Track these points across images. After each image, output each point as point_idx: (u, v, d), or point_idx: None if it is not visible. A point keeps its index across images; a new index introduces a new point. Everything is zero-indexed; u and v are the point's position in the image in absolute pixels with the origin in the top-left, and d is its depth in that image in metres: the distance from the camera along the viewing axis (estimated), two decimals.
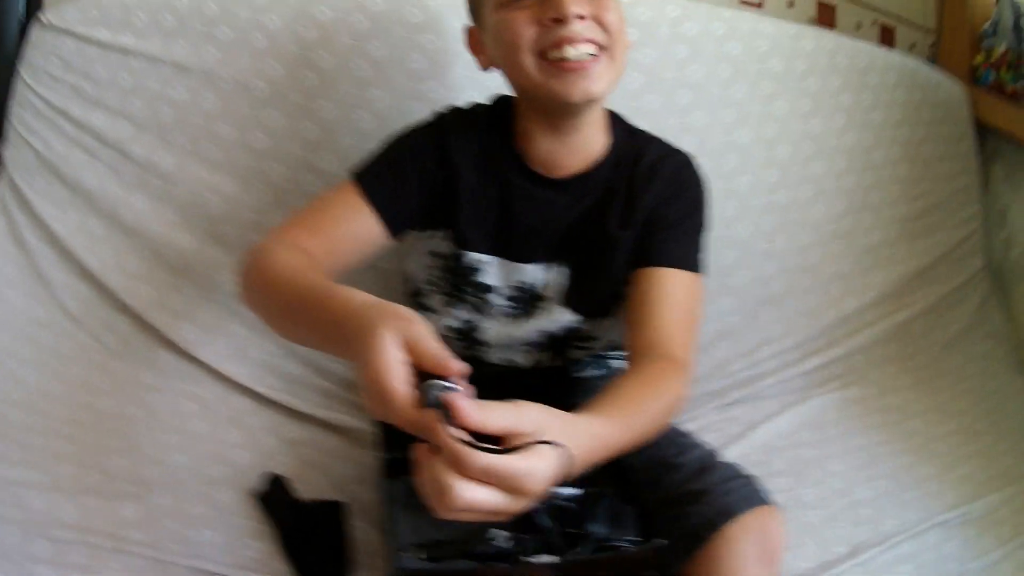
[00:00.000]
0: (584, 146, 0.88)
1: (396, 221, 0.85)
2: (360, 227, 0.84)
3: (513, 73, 0.84)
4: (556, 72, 0.80)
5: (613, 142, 0.90)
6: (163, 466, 0.97)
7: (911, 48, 1.54)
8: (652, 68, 1.17)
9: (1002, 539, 1.00)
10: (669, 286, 0.85)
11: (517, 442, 0.57)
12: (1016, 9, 1.39)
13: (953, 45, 1.51)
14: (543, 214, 0.89)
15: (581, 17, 0.79)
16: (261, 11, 1.10)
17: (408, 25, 1.09)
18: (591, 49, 0.80)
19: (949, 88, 1.41)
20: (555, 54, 0.80)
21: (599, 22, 0.81)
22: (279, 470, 0.98)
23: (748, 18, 1.25)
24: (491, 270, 0.91)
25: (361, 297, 0.65)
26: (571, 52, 0.79)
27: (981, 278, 1.42)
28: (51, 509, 0.89)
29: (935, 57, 1.54)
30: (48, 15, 1.14)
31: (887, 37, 1.52)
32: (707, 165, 1.16)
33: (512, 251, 0.90)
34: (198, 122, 1.10)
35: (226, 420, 1.06)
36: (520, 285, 0.91)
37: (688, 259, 0.88)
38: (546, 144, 0.87)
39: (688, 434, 0.92)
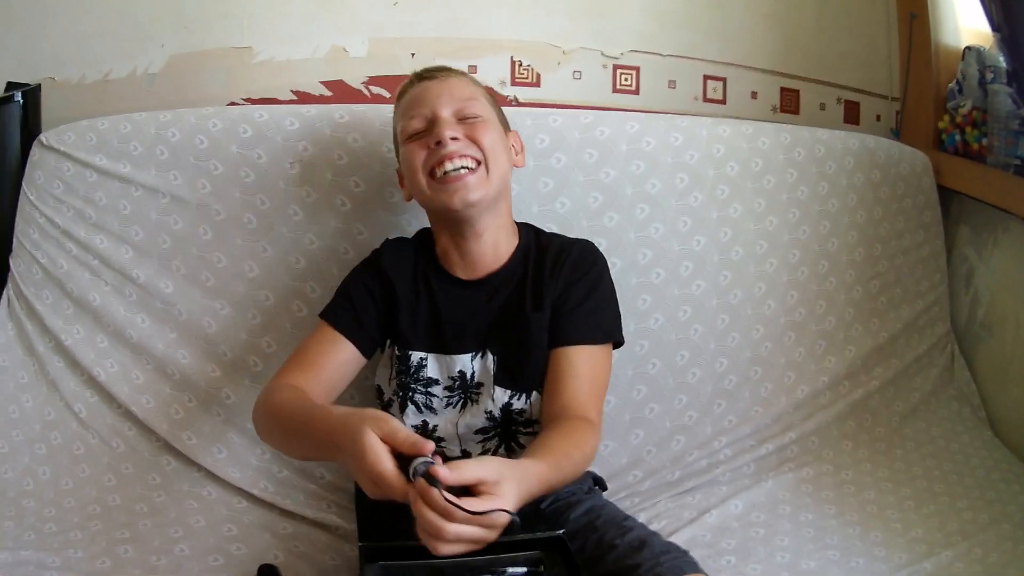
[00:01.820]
0: (492, 249, 1.15)
1: (364, 341, 1.12)
2: (339, 354, 1.11)
3: (416, 193, 1.13)
4: (440, 186, 1.09)
5: (520, 243, 1.17)
6: (168, 555, 1.18)
7: (876, 119, 1.72)
8: (611, 186, 1.36)
9: None
10: (577, 360, 1.10)
11: (485, 488, 0.83)
12: (981, 62, 1.54)
13: (918, 111, 1.68)
14: (466, 309, 1.14)
15: (455, 138, 1.08)
16: (249, 146, 1.30)
17: (384, 161, 1.29)
18: (467, 163, 1.09)
19: (911, 159, 1.57)
20: (439, 171, 1.08)
21: (473, 141, 1.09)
22: (272, 561, 1.18)
23: (706, 123, 1.44)
24: (431, 365, 1.14)
25: (340, 410, 0.93)
26: (449, 166, 1.08)
27: (946, 342, 1.59)
28: None
29: (900, 125, 1.71)
30: (48, 137, 1.34)
31: (852, 112, 1.70)
32: (663, 274, 1.38)
33: (446, 345, 1.14)
34: (195, 251, 1.31)
35: (225, 517, 1.27)
36: (456, 375, 1.13)
37: (593, 334, 1.12)
38: (458, 253, 1.14)
39: (631, 518, 1.12)
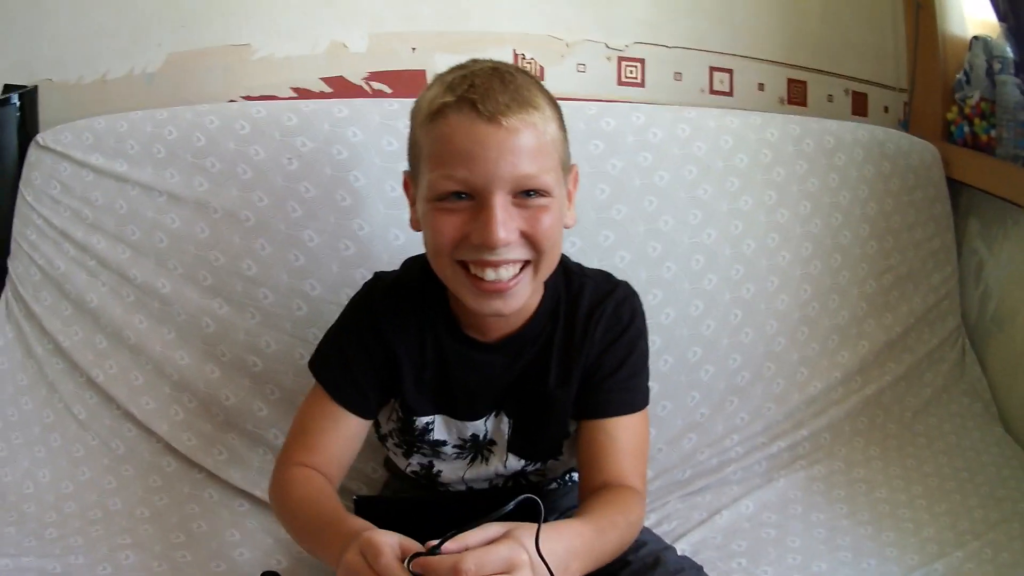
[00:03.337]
0: (518, 312, 0.91)
1: (368, 411, 0.96)
2: (345, 429, 0.95)
3: (432, 264, 0.88)
4: (472, 287, 0.85)
5: (549, 290, 0.95)
6: (170, 562, 1.11)
7: (884, 111, 1.64)
8: (619, 178, 1.28)
9: None
10: (617, 433, 0.93)
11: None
12: (989, 52, 1.47)
13: (926, 102, 1.60)
14: (482, 375, 0.95)
15: (509, 242, 0.81)
16: (246, 143, 1.22)
17: (384, 154, 1.22)
18: (515, 269, 0.84)
19: (921, 151, 1.50)
20: (475, 271, 0.84)
21: (529, 237, 0.83)
22: (275, 567, 1.11)
23: (714, 115, 1.36)
24: (439, 428, 0.99)
25: (360, 522, 0.80)
26: (491, 276, 0.83)
27: (957, 337, 1.52)
28: None
29: (908, 116, 1.64)
30: (45, 137, 1.27)
31: (859, 103, 1.63)
32: (675, 268, 1.31)
33: (456, 410, 0.97)
34: (192, 249, 1.24)
35: (226, 521, 1.20)
36: (467, 438, 0.99)
37: (632, 402, 0.95)
38: (476, 317, 0.92)
39: (644, 529, 1.03)
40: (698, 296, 1.31)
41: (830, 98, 1.59)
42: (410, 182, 0.91)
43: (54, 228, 1.26)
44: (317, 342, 1.10)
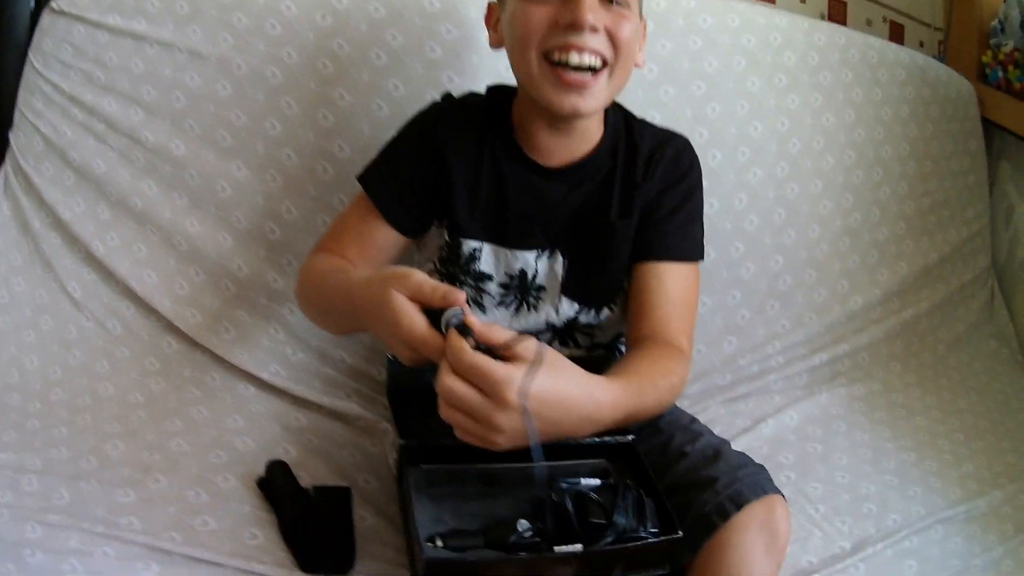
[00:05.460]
0: (582, 137, 0.92)
1: (409, 227, 0.93)
2: (381, 239, 0.92)
3: (516, 63, 0.88)
4: (554, 80, 0.84)
5: (609, 128, 0.94)
6: (163, 452, 0.98)
7: (920, 46, 1.58)
8: (668, 59, 1.20)
9: (1005, 535, 1.03)
10: (668, 279, 0.91)
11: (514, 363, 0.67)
12: (1022, 5, 1.42)
13: (961, 43, 1.55)
14: (539, 201, 0.92)
15: (595, 29, 0.83)
16: None
17: (425, 14, 1.12)
18: (595, 62, 0.84)
19: (958, 85, 1.44)
20: (559, 57, 0.83)
21: (612, 36, 0.84)
22: (282, 457, 0.99)
23: (762, 11, 1.29)
24: (487, 257, 0.94)
25: (361, 276, 0.79)
26: (575, 59, 0.83)
27: (987, 276, 1.47)
28: (45, 493, 0.89)
29: (943, 55, 1.58)
30: (59, 1, 1.15)
31: (896, 33, 1.57)
32: (720, 157, 1.22)
33: (507, 238, 0.93)
34: (211, 109, 1.12)
35: (229, 406, 1.08)
36: (515, 273, 0.94)
37: (686, 250, 0.93)
38: (543, 135, 0.91)
39: (696, 421, 0.97)
40: (742, 189, 1.24)
41: (869, 22, 1.54)
42: (495, 7, 0.94)
43: (62, 93, 1.14)
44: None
